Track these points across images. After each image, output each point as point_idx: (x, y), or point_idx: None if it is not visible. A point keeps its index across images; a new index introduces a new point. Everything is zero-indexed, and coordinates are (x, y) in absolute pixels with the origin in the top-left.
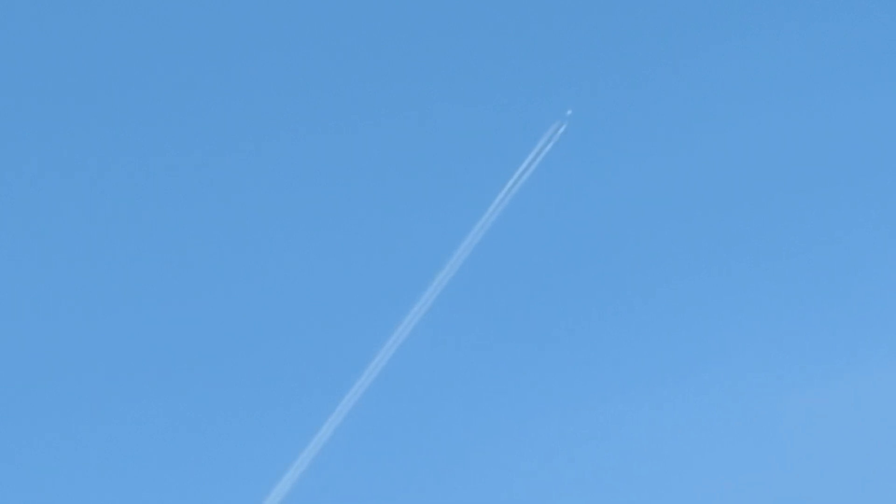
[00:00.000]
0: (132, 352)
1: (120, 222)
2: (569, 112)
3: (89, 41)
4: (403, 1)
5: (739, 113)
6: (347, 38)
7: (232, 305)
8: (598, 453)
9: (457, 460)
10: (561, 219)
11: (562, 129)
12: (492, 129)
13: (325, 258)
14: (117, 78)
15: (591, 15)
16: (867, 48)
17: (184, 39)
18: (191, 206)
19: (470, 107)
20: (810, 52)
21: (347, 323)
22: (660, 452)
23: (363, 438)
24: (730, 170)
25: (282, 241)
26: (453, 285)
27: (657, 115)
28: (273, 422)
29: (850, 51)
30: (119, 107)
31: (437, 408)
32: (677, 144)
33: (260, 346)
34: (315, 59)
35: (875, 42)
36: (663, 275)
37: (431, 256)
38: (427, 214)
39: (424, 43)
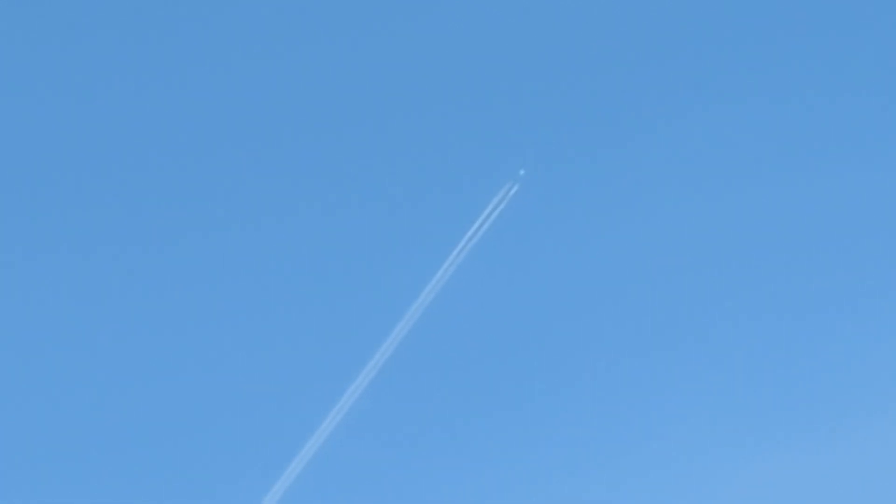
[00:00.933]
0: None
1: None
2: (521, 172)
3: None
4: (341, 54)
5: (702, 184)
6: (288, 100)
7: None
8: None
9: None
10: (510, 288)
11: (513, 191)
12: (438, 190)
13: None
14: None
15: (546, 72)
16: (829, 128)
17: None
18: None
19: (413, 167)
20: (771, 129)
21: (286, 400)
22: None
23: None
24: (685, 243)
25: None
26: (399, 354)
27: (616, 180)
28: None
29: (814, 130)
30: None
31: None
32: (632, 211)
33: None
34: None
35: (835, 122)
36: (612, 347)
37: (372, 330)
38: (371, 280)
39: (368, 92)
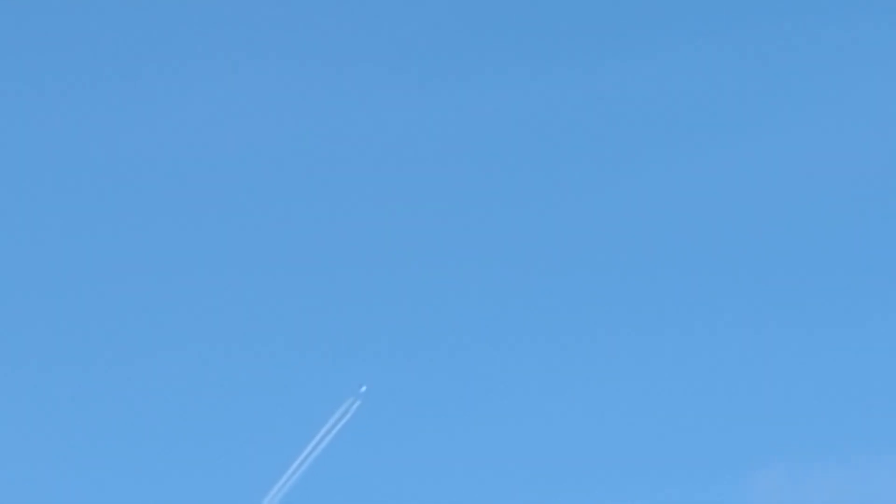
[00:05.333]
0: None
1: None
2: (363, 388)
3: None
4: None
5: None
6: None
7: None
8: None
9: None
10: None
11: (355, 406)
12: (278, 405)
13: None
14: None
15: (385, 287)
16: None
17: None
18: None
19: (253, 382)
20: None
21: None
22: None
23: None
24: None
25: None
26: None
27: (454, 393)
28: None
29: None
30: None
31: None
32: (468, 425)
33: None
34: None
35: None
36: None
37: None
38: None
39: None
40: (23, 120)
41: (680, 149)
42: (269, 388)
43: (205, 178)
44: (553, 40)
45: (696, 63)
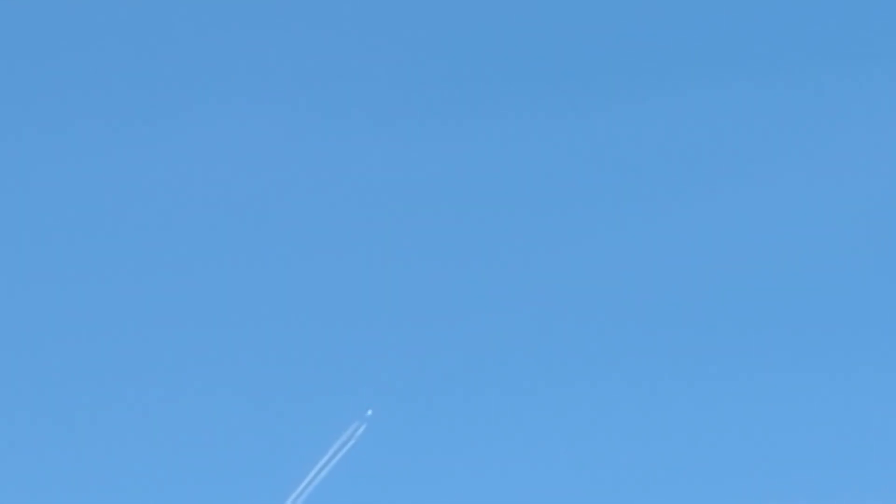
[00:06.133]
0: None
1: None
2: (369, 412)
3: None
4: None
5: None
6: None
7: None
8: None
9: None
10: None
11: (361, 430)
12: (282, 429)
13: None
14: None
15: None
16: None
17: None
18: None
19: (260, 403)
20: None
21: None
22: None
23: None
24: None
25: None
26: None
27: (462, 419)
28: None
29: None
30: None
31: None
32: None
33: None
34: None
35: None
36: None
37: None
38: None
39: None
40: None
41: (689, 194)
42: (273, 412)
43: (209, 206)
44: (566, 83)
45: (701, 106)
